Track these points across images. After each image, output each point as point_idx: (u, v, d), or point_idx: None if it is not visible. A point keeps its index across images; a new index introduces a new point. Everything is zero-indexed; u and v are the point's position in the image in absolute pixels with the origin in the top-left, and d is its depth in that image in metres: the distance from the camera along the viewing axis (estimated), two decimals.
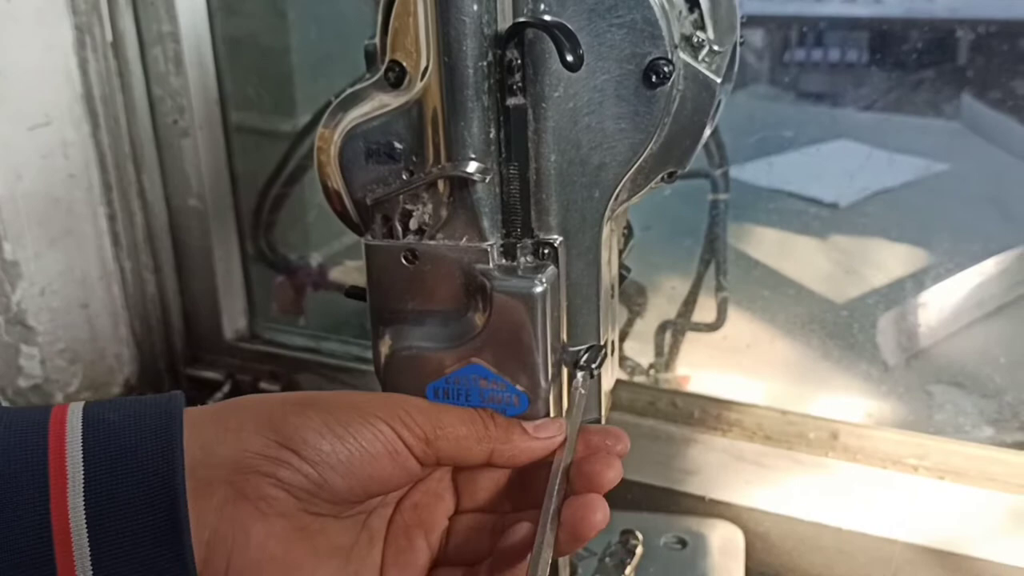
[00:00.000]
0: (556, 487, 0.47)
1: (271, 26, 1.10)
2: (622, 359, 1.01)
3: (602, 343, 0.50)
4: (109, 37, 1.00)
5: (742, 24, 0.50)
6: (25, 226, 0.95)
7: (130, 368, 1.09)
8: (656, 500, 0.89)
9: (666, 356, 1.03)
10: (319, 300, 1.14)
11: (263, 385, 1.07)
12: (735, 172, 1.08)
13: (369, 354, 1.03)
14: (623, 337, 1.01)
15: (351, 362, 1.06)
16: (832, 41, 1.46)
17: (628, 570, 0.66)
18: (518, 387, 0.49)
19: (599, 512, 0.46)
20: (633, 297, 1.00)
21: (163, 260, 1.07)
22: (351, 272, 1.12)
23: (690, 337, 1.03)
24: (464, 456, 0.48)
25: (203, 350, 1.11)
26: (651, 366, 1.02)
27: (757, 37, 1.47)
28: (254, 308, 1.12)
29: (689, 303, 1.02)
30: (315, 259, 1.13)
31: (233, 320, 1.10)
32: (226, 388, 1.07)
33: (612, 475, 0.47)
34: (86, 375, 1.04)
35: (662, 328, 1.03)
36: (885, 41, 1.38)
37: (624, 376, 1.01)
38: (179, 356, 1.11)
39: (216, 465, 0.44)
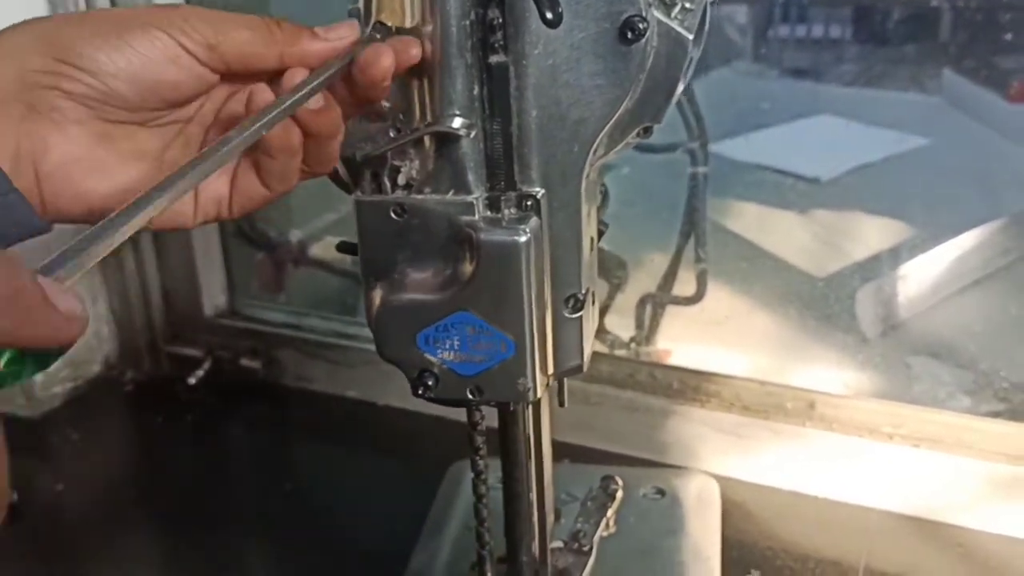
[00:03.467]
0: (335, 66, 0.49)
1: (250, 1, 1.14)
2: (604, 332, 1.05)
3: (583, 291, 0.55)
4: None
5: None
6: None
7: (110, 345, 1.12)
8: None
9: (646, 329, 1.07)
10: (300, 277, 1.17)
11: (244, 362, 1.10)
12: (718, 148, 1.12)
13: (350, 330, 1.09)
14: (604, 311, 1.05)
15: (332, 338, 1.09)
16: (815, 17, 1.50)
17: (610, 512, 0.71)
18: (505, 333, 0.53)
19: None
20: (613, 270, 1.04)
21: (141, 237, 1.10)
22: (332, 248, 1.15)
23: (671, 311, 1.07)
24: (253, 61, 0.50)
25: (183, 327, 1.14)
26: (632, 339, 1.06)
27: (741, 13, 1.51)
28: (234, 285, 1.15)
29: (669, 276, 1.06)
30: (295, 236, 1.16)
31: (213, 297, 1.14)
32: (206, 365, 1.11)
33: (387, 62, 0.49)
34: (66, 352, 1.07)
35: (642, 302, 1.07)
36: (868, 17, 1.43)
37: (604, 349, 1.05)
38: (159, 333, 1.14)
39: (2, 88, 0.47)
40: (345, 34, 0.51)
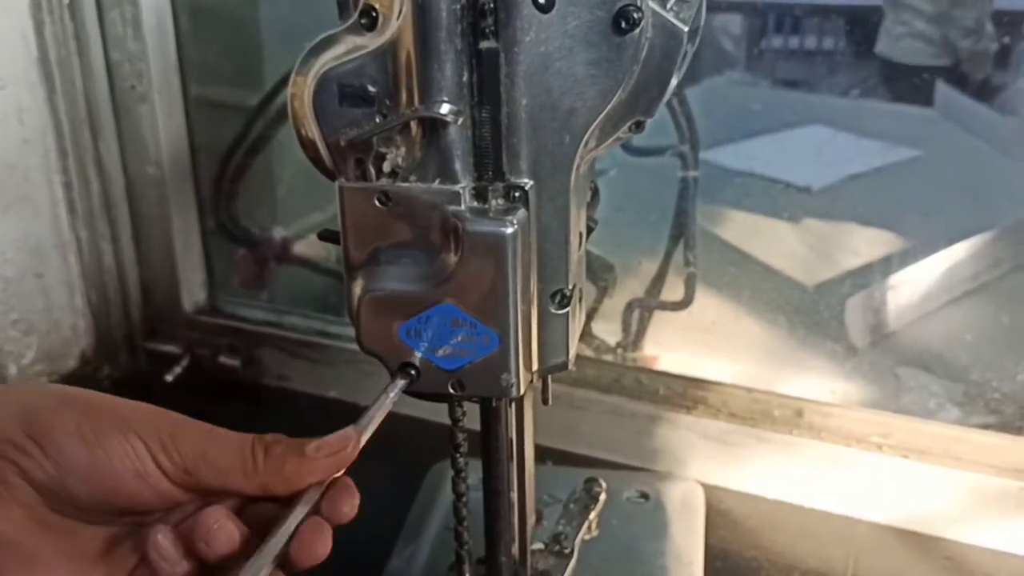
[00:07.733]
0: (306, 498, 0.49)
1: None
2: (591, 337, 1.04)
3: (570, 287, 0.54)
4: None
5: None
6: None
7: (86, 340, 1.11)
8: None
9: (633, 335, 1.06)
10: (282, 274, 1.16)
11: (222, 359, 1.09)
12: (711, 156, 1.12)
13: (332, 329, 1.08)
14: (591, 315, 1.04)
15: (313, 336, 1.08)
16: (809, 28, 1.51)
17: (592, 515, 0.70)
18: (489, 327, 0.52)
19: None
20: (600, 274, 1.03)
21: (120, 229, 1.09)
22: (316, 246, 1.14)
23: (658, 316, 1.06)
24: (233, 487, 0.49)
25: (161, 322, 1.13)
26: (618, 344, 1.06)
27: (734, 23, 1.52)
28: (214, 280, 1.14)
29: (657, 281, 1.05)
30: (279, 232, 1.15)
31: (192, 292, 1.13)
32: (184, 362, 1.09)
33: (347, 510, 0.51)
34: (40, 347, 1.06)
35: (630, 306, 1.06)
36: (861, 28, 1.43)
37: (591, 354, 1.04)
38: (137, 328, 1.13)
39: None
40: (336, 449, 0.50)
